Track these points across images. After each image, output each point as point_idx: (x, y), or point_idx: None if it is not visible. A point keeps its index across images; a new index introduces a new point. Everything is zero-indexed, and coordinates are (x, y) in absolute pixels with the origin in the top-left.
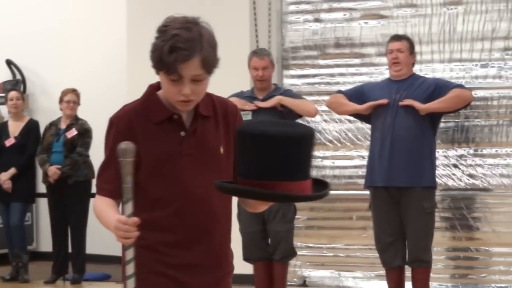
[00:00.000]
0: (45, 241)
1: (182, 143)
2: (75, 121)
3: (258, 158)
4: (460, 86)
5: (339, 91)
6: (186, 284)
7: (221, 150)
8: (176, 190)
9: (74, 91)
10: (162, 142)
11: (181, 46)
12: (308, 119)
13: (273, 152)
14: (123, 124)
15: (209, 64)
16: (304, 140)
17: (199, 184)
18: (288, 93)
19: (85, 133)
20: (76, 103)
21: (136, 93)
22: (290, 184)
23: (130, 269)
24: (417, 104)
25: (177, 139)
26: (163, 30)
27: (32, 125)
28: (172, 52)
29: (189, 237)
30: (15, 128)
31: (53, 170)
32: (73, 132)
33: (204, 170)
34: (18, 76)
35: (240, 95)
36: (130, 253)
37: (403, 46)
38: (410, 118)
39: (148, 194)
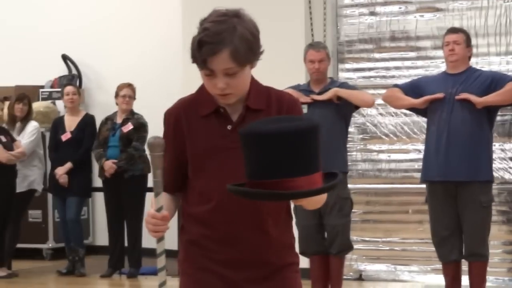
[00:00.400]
0: (101, 235)
1: (227, 136)
2: (131, 115)
3: (254, 158)
4: None
5: (395, 85)
6: (233, 280)
7: None
8: (218, 185)
9: (130, 86)
10: (208, 136)
11: (209, 40)
12: (364, 112)
13: (268, 150)
14: (173, 119)
15: (240, 57)
16: (301, 134)
17: (242, 179)
18: (344, 85)
19: (141, 128)
20: (132, 97)
21: (192, 86)
22: (292, 181)
23: (162, 261)
24: (473, 98)
25: (223, 133)
26: (201, 24)
27: (88, 120)
28: (200, 46)
29: (233, 233)
30: (71, 122)
31: (109, 165)
32: (129, 127)
33: None
34: (74, 71)
35: (296, 88)
36: (161, 246)
37: (460, 39)
38: (466, 112)
39: (194, 188)
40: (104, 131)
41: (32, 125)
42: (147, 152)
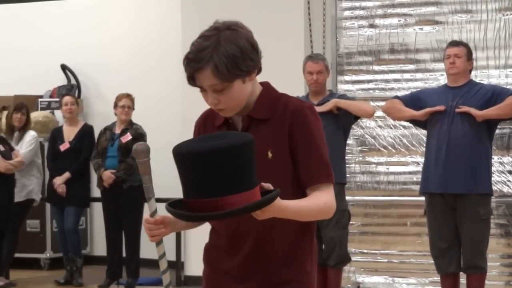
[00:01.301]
0: (99, 245)
1: None
2: (129, 125)
3: (182, 178)
4: None
5: (396, 97)
6: None
7: (269, 154)
8: None
9: (128, 96)
10: None
11: (191, 57)
12: (363, 124)
13: (190, 170)
14: (196, 128)
15: (222, 74)
16: (222, 153)
17: None
18: (343, 97)
19: (139, 138)
20: (131, 108)
21: (191, 97)
22: (222, 200)
23: (164, 264)
24: (473, 111)
25: None
26: None
27: (87, 130)
28: (186, 63)
29: (235, 243)
30: (69, 132)
31: (108, 175)
32: (127, 137)
33: None
34: (73, 81)
35: None
36: (160, 249)
37: (461, 52)
38: (466, 125)
39: None
40: (102, 141)
41: (31, 135)
42: (136, 159)
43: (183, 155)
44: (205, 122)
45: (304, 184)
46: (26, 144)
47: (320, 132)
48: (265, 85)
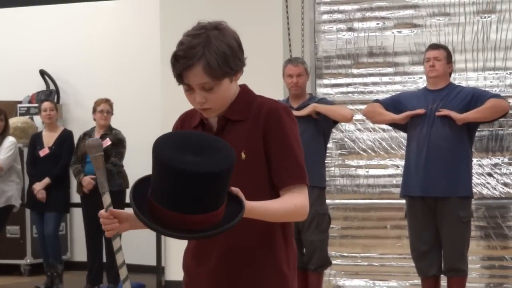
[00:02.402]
0: (79, 251)
1: None
2: (108, 131)
3: (155, 179)
4: (497, 95)
5: (376, 100)
6: None
7: (243, 155)
8: None
9: (107, 101)
10: None
11: (182, 54)
12: (342, 128)
13: (165, 179)
14: (173, 129)
15: (214, 71)
16: (208, 177)
17: None
18: (322, 101)
19: (119, 143)
20: (110, 112)
21: (170, 101)
22: (188, 217)
23: (120, 258)
24: (454, 114)
25: None
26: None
27: (66, 135)
28: (175, 61)
29: (202, 248)
30: (49, 138)
31: (88, 180)
32: (107, 142)
33: None
34: (52, 87)
35: None
36: (116, 243)
37: (440, 55)
38: (446, 128)
39: None
40: (82, 147)
41: (9, 141)
42: (89, 154)
43: (161, 163)
44: (182, 124)
45: (277, 186)
46: (5, 150)
47: (295, 134)
48: (243, 87)
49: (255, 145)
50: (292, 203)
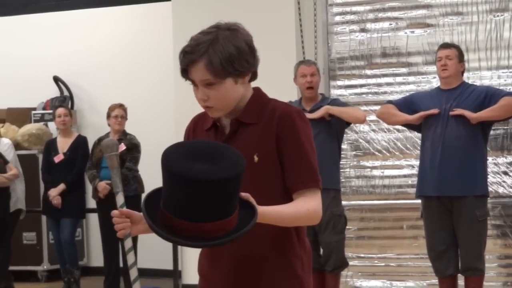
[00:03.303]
0: (96, 256)
1: None
2: (123, 136)
3: (165, 190)
4: (511, 93)
5: (389, 101)
6: None
7: (255, 158)
8: None
9: (121, 106)
10: None
11: (188, 50)
12: (357, 129)
13: (175, 190)
14: (186, 132)
15: (215, 68)
16: (216, 185)
17: None
18: (335, 102)
19: (133, 148)
20: (124, 117)
21: (183, 106)
22: (201, 226)
23: (131, 258)
24: (467, 113)
25: None
26: None
27: (81, 141)
28: (183, 56)
29: (216, 252)
30: (63, 144)
31: (103, 186)
32: (121, 147)
33: None
34: (66, 93)
35: None
36: (128, 243)
37: (452, 54)
38: (461, 128)
39: None
40: (97, 152)
41: (5, 143)
42: (104, 153)
43: (170, 173)
44: (195, 127)
45: (290, 189)
46: (7, 154)
47: (308, 137)
48: (256, 90)
49: (268, 148)
50: (305, 207)
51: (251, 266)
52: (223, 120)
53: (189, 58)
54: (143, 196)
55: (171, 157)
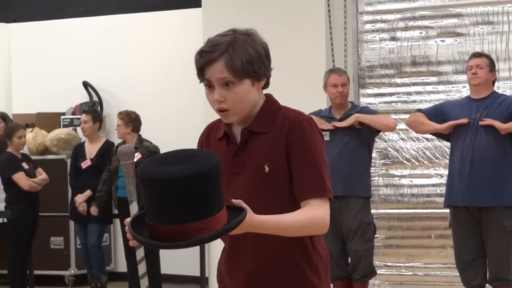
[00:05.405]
0: (123, 262)
1: (230, 161)
2: (139, 144)
3: (144, 200)
4: None
5: (419, 110)
6: None
7: (266, 168)
8: None
9: (120, 114)
10: None
11: (206, 49)
12: (386, 137)
13: (152, 194)
14: (200, 140)
15: (235, 66)
16: (182, 180)
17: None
18: (365, 110)
19: (151, 156)
20: (122, 125)
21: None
22: (185, 226)
23: (142, 268)
24: (497, 124)
25: (228, 157)
26: None
27: (108, 147)
28: (200, 56)
29: (233, 261)
30: (91, 149)
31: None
32: (137, 156)
33: (249, 189)
34: (95, 98)
35: (317, 113)
36: (139, 253)
37: (483, 63)
38: (490, 138)
39: None
40: (114, 160)
41: None
42: (120, 161)
43: (143, 180)
44: (208, 136)
45: (298, 198)
46: None
47: (318, 146)
48: (268, 97)
49: (278, 158)
50: (309, 215)
51: (263, 279)
52: (235, 129)
53: (207, 57)
54: None
55: (145, 166)
